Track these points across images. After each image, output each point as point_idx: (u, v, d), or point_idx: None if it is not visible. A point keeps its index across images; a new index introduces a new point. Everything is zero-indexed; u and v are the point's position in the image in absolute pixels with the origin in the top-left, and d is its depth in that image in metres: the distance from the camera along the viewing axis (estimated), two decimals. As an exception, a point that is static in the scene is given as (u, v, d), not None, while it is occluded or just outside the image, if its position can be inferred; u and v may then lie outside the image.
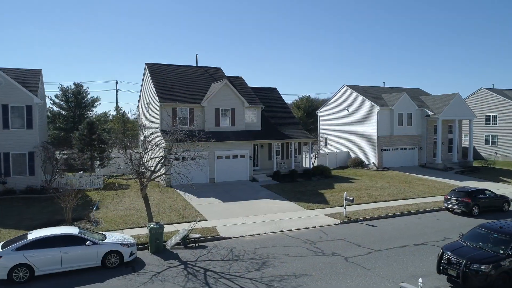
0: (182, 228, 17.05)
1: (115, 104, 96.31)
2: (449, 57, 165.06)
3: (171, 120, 28.96)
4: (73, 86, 50.08)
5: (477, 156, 46.76)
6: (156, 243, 15.53)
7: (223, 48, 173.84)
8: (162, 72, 32.84)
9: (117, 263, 13.84)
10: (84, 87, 50.83)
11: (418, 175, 35.12)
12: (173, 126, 29.53)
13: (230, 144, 29.96)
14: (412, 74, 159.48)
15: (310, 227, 19.30)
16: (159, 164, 17.38)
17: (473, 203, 21.60)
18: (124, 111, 56.64)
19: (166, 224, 19.02)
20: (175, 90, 30.98)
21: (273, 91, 39.33)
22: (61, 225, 17.80)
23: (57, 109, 49.99)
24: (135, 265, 14.12)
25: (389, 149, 39.88)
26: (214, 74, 34.74)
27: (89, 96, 51.28)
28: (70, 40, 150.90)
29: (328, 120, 46.70)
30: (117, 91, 63.40)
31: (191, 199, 24.40)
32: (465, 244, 12.78)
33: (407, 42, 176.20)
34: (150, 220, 16.99)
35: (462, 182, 31.65)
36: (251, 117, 33.09)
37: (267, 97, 37.79)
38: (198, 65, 36.30)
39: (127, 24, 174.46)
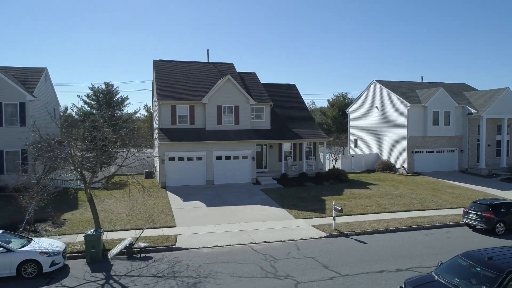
0: (129, 237, 15.34)
1: (145, 103, 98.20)
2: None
3: (170, 118, 27.74)
4: (103, 86, 51.22)
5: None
6: (92, 252, 13.96)
7: (254, 46, 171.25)
8: (168, 69, 31.69)
9: (34, 273, 12.43)
10: (114, 87, 51.81)
11: (452, 182, 30.45)
12: (172, 124, 28.48)
13: (230, 144, 27.93)
14: (467, 69, 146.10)
15: (285, 240, 16.67)
16: (111, 164, 15.76)
17: (497, 219, 17.49)
18: (152, 110, 56.93)
19: (128, 230, 17.55)
20: (177, 87, 29.61)
21: (290, 88, 36.63)
22: (18, 227, 17.06)
23: (89, 108, 51.39)
24: (56, 276, 12.63)
25: (422, 152, 35.32)
26: (224, 70, 32.87)
27: (118, 96, 52.13)
28: (95, 42, 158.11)
29: (357, 119, 42.86)
30: (153, 90, 63.98)
31: (175, 202, 22.79)
32: (436, 279, 9.57)
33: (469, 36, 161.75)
34: (97, 226, 15.49)
35: (505, 192, 26.74)
36: (259, 115, 30.77)
37: (283, 94, 35.27)
38: (212, 61, 34.78)
39: (151, 23, 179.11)
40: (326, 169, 31.46)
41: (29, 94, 24.90)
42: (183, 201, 23.06)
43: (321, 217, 20.16)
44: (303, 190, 26.24)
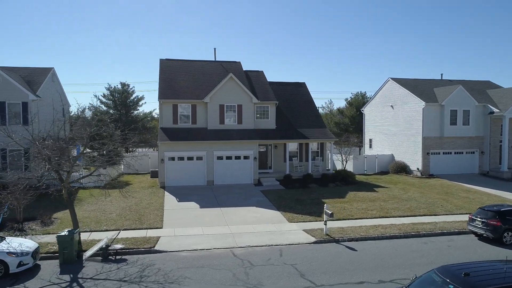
0: (105, 238, 14.97)
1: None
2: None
3: (171, 117, 27.47)
4: (119, 86, 51.87)
5: None
6: (65, 253, 13.67)
7: (269, 46, 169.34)
8: (173, 67, 31.45)
9: (1, 273, 12.25)
10: (130, 87, 52.37)
11: (469, 186, 28.55)
12: (173, 123, 28.18)
13: (230, 144, 27.31)
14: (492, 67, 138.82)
15: (271, 245, 15.86)
16: (87, 167, 15.49)
17: (505, 227, 15.96)
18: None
19: (113, 230, 17.23)
20: (179, 86, 29.29)
21: (300, 86, 35.59)
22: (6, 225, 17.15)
23: (106, 108, 52.20)
24: (22, 277, 12.40)
25: (439, 153, 33.42)
26: (231, 68, 32.26)
27: (134, 95, 52.64)
28: (113, 41, 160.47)
29: (372, 119, 41.26)
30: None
31: (170, 202, 22.41)
32: (404, 296, 8.53)
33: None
34: (75, 226, 15.23)
35: (524, 196, 24.75)
36: (264, 114, 29.99)
37: (292, 93, 34.32)
38: (222, 60, 34.27)
39: (170, 22, 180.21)
40: (333, 171, 30.24)
41: (31, 93, 25.22)
42: (178, 201, 22.64)
43: (316, 221, 19.16)
44: (304, 192, 25.25)
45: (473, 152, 34.25)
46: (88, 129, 16.65)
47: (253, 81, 32.22)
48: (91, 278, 12.40)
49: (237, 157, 27.69)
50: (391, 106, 37.30)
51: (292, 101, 33.37)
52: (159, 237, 16.56)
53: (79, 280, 12.28)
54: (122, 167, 34.36)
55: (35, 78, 27.74)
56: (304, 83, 36.05)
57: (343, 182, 28.41)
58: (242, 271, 12.94)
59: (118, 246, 14.64)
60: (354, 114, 56.07)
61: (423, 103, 32.47)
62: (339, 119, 59.13)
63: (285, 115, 31.58)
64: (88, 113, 55.79)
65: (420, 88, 35.30)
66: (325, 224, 17.20)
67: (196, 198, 23.49)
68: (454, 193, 26.05)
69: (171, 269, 13.16)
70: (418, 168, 33.29)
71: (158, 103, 28.43)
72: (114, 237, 15.13)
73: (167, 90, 28.51)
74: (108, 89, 51.55)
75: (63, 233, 13.83)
